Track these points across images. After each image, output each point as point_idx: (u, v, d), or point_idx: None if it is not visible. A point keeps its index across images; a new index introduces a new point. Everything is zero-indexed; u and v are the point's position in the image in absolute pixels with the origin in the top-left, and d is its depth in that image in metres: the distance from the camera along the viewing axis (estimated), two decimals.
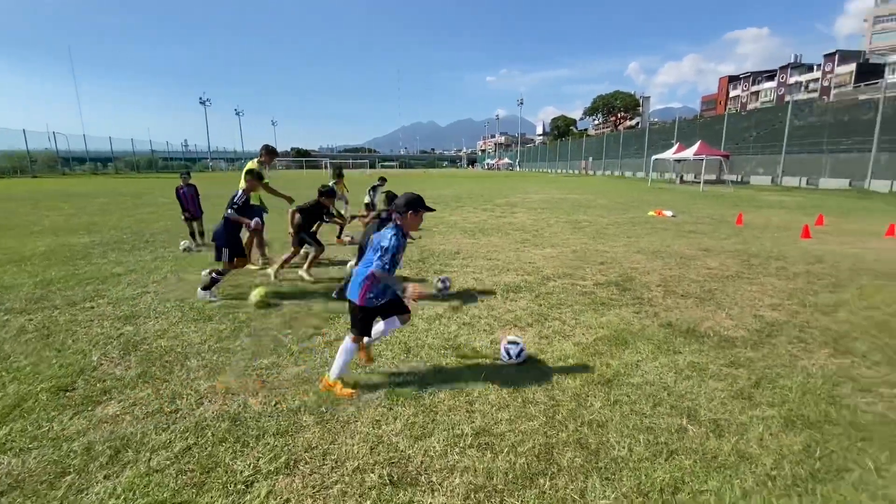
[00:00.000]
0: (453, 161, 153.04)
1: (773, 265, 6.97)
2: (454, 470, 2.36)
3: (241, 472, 2.34)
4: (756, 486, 2.24)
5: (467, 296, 5.40)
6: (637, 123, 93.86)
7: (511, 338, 3.71)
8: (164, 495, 2.17)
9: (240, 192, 5.28)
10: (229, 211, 5.13)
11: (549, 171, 74.23)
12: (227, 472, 2.33)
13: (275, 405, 2.97)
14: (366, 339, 3.34)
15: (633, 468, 2.37)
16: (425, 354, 3.75)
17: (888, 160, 25.73)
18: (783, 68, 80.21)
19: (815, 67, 74.11)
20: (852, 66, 62.46)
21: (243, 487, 2.23)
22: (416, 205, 3.04)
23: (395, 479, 2.29)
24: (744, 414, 2.89)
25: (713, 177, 35.68)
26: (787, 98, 53.51)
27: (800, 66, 77.88)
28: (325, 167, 70.91)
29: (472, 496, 2.18)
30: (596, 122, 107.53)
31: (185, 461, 2.42)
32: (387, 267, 2.91)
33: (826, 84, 64.88)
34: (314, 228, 6.39)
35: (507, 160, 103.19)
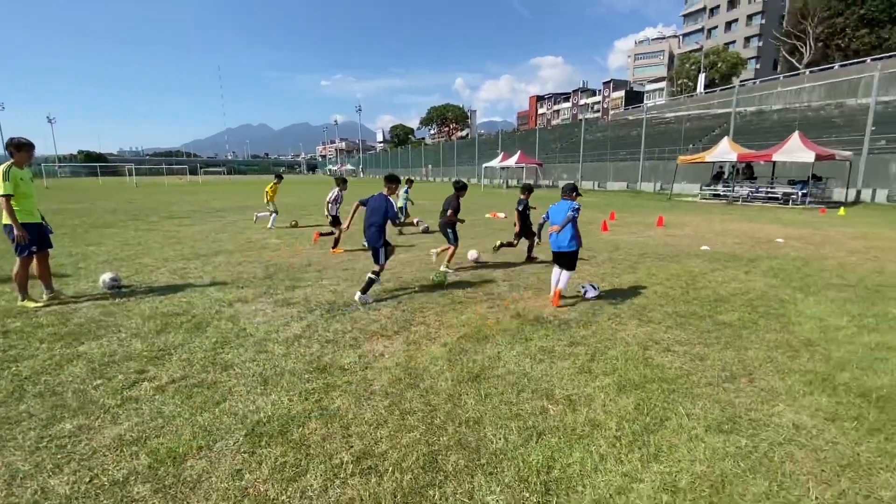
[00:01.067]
0: (291, 167, 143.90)
1: (586, 255, 8.28)
2: None
3: None
4: (608, 448, 2.59)
5: (326, 309, 5.08)
6: (467, 134, 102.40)
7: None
8: None
9: (393, 200, 5.61)
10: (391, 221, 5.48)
11: None
12: None
13: (90, 482, 2.30)
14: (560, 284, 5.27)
15: (511, 457, 2.51)
16: (287, 383, 3.38)
17: (650, 167, 33.34)
18: (575, 92, 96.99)
19: (597, 92, 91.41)
20: (622, 93, 78.88)
21: None
22: (576, 189, 5.36)
23: None
24: (588, 386, 3.33)
25: (532, 181, 41.14)
26: (580, 117, 64.84)
27: (587, 91, 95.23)
28: (130, 174, 59.35)
29: None
30: (432, 131, 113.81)
31: None
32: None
33: (606, 106, 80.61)
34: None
35: (349, 166, 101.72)
